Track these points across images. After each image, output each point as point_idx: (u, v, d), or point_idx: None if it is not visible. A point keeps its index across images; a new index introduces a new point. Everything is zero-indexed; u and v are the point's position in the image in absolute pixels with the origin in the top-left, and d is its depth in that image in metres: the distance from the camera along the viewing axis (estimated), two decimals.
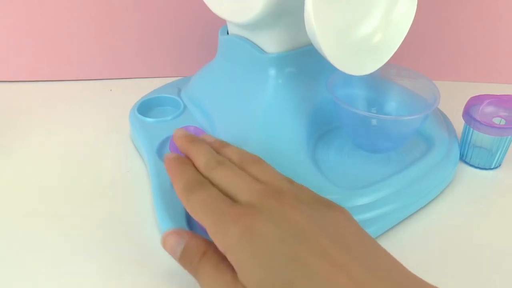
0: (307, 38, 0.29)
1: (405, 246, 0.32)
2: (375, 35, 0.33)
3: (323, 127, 0.38)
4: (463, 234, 0.33)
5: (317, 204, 0.24)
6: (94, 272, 0.29)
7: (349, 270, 0.20)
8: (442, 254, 0.31)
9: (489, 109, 0.38)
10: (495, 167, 0.39)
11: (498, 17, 0.50)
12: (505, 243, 0.32)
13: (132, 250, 0.31)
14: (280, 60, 0.35)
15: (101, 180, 0.37)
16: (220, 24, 0.40)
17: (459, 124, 0.40)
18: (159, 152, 0.37)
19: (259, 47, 0.36)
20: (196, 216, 0.25)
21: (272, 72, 0.36)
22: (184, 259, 0.26)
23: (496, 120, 0.37)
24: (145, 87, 0.45)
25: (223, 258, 0.24)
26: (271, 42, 0.35)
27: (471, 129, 0.38)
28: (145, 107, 0.42)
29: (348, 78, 0.34)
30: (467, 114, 0.38)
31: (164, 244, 0.27)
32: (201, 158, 0.28)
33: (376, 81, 0.38)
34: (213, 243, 0.24)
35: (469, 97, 0.39)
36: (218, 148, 0.29)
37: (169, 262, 0.30)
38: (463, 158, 0.40)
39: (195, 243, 0.26)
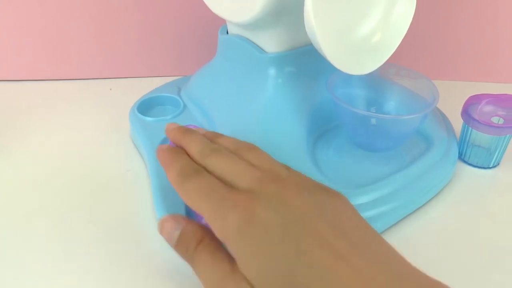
0: (306, 38, 0.29)
1: (404, 245, 0.31)
2: (374, 35, 0.33)
3: (323, 127, 0.38)
4: (462, 232, 0.33)
5: (316, 190, 0.24)
6: (94, 272, 0.29)
7: (349, 259, 0.20)
8: (440, 253, 0.31)
9: (488, 108, 0.38)
10: (494, 166, 0.39)
11: (496, 16, 0.51)
12: (504, 241, 0.33)
13: (132, 249, 0.31)
14: (279, 60, 0.35)
15: (101, 180, 0.37)
16: (219, 23, 0.40)
17: (458, 123, 0.40)
18: None
19: (258, 46, 0.36)
20: (193, 203, 0.24)
21: (271, 71, 0.36)
22: (180, 245, 0.25)
23: (495, 119, 0.38)
24: (145, 86, 0.45)
25: (220, 247, 0.23)
26: (271, 42, 0.35)
27: (470, 128, 0.38)
28: (145, 106, 0.42)
29: (348, 78, 0.34)
30: (466, 113, 0.38)
31: (161, 229, 0.26)
32: (195, 147, 0.27)
33: (375, 81, 0.38)
34: (210, 231, 0.24)
35: (467, 97, 0.39)
36: (212, 138, 0.28)
37: (170, 262, 0.30)
38: (461, 157, 0.40)
39: (191, 229, 0.25)
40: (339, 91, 0.35)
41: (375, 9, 0.33)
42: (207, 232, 0.24)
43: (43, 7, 0.48)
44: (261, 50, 0.36)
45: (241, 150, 0.26)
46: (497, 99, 0.38)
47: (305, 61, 0.36)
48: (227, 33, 0.39)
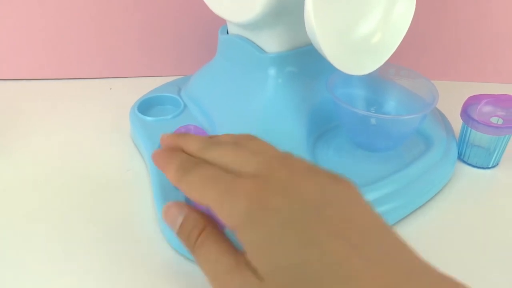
0: (307, 38, 0.30)
1: None
2: (374, 35, 0.33)
3: (323, 126, 0.38)
4: (461, 232, 0.33)
5: (327, 177, 0.22)
6: (94, 272, 0.29)
7: (361, 252, 0.19)
8: (440, 253, 0.31)
9: (487, 108, 0.38)
10: (493, 166, 0.40)
11: (496, 17, 0.51)
12: (504, 241, 0.33)
13: (132, 249, 0.31)
14: (280, 60, 0.35)
15: (101, 179, 0.37)
16: (220, 23, 0.40)
17: (457, 123, 0.40)
18: None
19: (259, 46, 0.36)
20: (196, 195, 0.23)
21: (272, 71, 0.36)
22: (183, 231, 0.24)
23: (494, 120, 0.38)
24: (145, 86, 0.45)
25: (223, 237, 0.22)
26: (271, 42, 0.35)
27: (469, 128, 0.38)
28: (145, 106, 0.42)
29: (348, 78, 0.34)
30: (465, 113, 0.38)
31: (165, 214, 0.25)
32: (193, 144, 0.26)
33: (375, 81, 0.38)
34: (213, 220, 0.23)
35: (467, 97, 0.39)
36: (208, 137, 0.27)
37: (170, 262, 0.30)
38: (461, 157, 0.40)
39: (195, 216, 0.24)
40: (339, 91, 0.35)
41: (375, 10, 0.33)
42: (210, 221, 0.24)
43: (43, 7, 0.48)
44: (261, 50, 0.36)
45: (241, 140, 0.25)
46: (497, 100, 0.38)
47: (305, 61, 0.36)
48: (227, 33, 0.39)
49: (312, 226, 0.20)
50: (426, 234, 0.33)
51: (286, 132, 0.35)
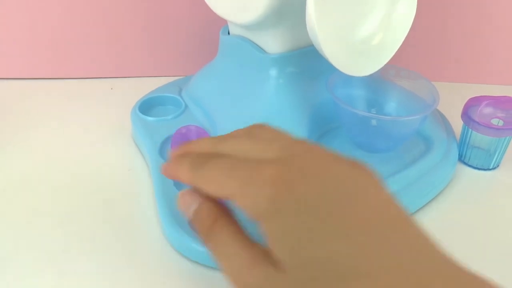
0: (308, 39, 0.30)
1: None
2: (375, 37, 0.33)
3: (323, 127, 0.38)
4: (462, 234, 0.33)
5: (346, 162, 0.21)
6: (96, 272, 0.29)
7: (388, 246, 0.18)
8: None
9: (488, 110, 0.38)
10: (494, 168, 0.40)
11: (497, 18, 0.51)
12: (505, 242, 0.33)
13: (134, 249, 0.31)
14: (281, 61, 0.36)
15: (102, 179, 0.37)
16: (221, 24, 0.40)
17: (457, 125, 0.40)
18: (161, 150, 0.37)
19: (260, 47, 0.36)
20: (213, 187, 0.21)
21: (273, 72, 0.36)
22: (197, 219, 0.23)
23: (494, 121, 0.38)
24: (146, 86, 0.46)
25: (240, 229, 0.21)
26: (272, 43, 0.35)
27: (470, 130, 0.38)
28: (147, 106, 0.43)
29: (348, 79, 0.35)
30: (466, 115, 0.38)
31: (179, 202, 0.24)
32: (202, 143, 0.24)
33: (375, 82, 0.38)
34: (227, 210, 0.22)
35: (467, 98, 0.39)
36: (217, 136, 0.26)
37: (171, 262, 0.30)
38: (461, 159, 0.40)
39: (209, 205, 0.22)
40: (339, 91, 0.35)
41: (376, 11, 0.33)
42: (225, 211, 0.22)
43: (45, 6, 0.48)
44: (262, 50, 0.36)
45: (252, 130, 0.24)
46: (497, 101, 0.38)
47: (306, 61, 0.36)
48: (229, 33, 0.39)
49: (340, 216, 0.19)
50: None
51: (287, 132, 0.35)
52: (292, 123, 0.35)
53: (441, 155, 0.37)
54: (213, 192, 0.21)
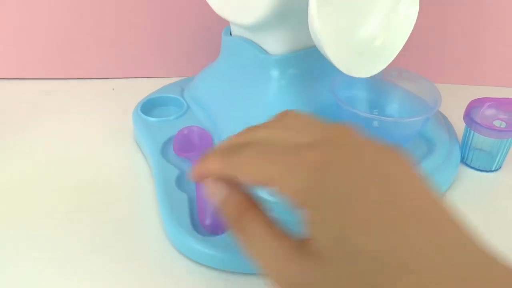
0: (310, 40, 0.30)
1: None
2: (378, 38, 0.33)
3: None
4: None
5: (383, 147, 0.20)
6: (96, 272, 0.29)
7: (438, 240, 0.17)
8: None
9: (490, 112, 0.38)
10: (496, 170, 0.39)
11: (499, 20, 0.51)
12: (507, 244, 0.32)
13: (136, 249, 0.31)
14: (283, 62, 0.36)
15: (104, 179, 0.37)
16: (223, 25, 0.40)
17: (460, 126, 0.40)
18: (163, 151, 0.37)
19: (262, 48, 0.36)
20: (251, 173, 0.20)
21: (275, 73, 0.36)
22: (225, 208, 0.21)
23: (497, 123, 0.38)
24: (148, 87, 0.46)
25: (271, 221, 0.20)
26: (274, 44, 0.35)
27: (472, 131, 0.38)
28: (148, 107, 0.43)
29: (351, 80, 0.34)
30: (468, 116, 0.38)
31: (206, 189, 0.22)
32: (234, 137, 0.23)
33: (378, 83, 0.38)
34: (256, 201, 0.21)
35: (470, 100, 0.39)
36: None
37: (171, 262, 0.30)
38: (464, 160, 0.40)
39: (236, 196, 0.21)
40: (341, 93, 0.35)
41: (378, 12, 0.33)
42: (254, 202, 0.21)
43: (47, 6, 0.49)
44: (264, 51, 0.36)
45: (283, 117, 0.23)
46: (499, 103, 0.38)
47: (308, 63, 0.36)
48: (231, 34, 0.39)
49: (389, 206, 0.18)
50: None
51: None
52: None
53: (443, 157, 0.37)
54: (250, 178, 0.20)
